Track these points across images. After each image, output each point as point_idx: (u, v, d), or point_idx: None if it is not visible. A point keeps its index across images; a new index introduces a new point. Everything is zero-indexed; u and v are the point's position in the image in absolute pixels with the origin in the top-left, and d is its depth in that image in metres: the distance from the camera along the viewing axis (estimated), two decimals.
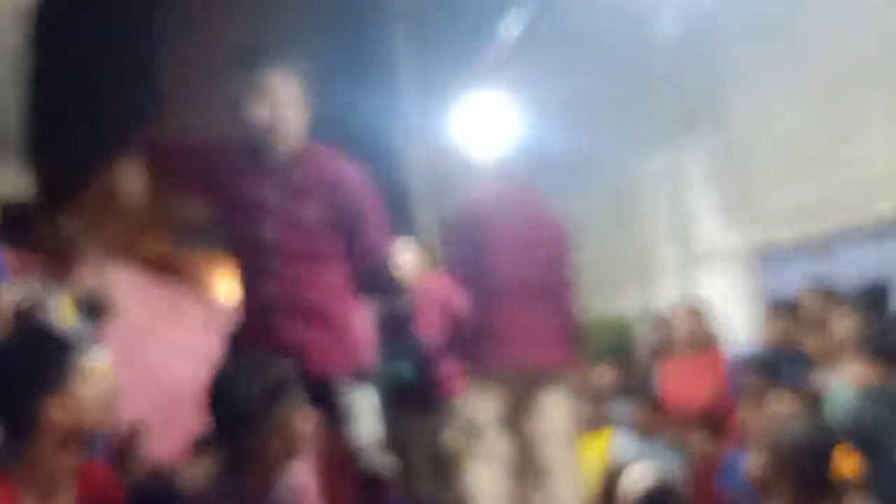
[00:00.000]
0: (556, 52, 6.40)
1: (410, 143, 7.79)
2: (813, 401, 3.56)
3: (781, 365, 3.92)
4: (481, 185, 3.66)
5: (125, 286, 4.54)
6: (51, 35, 5.57)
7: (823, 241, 4.97)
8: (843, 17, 4.71)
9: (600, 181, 6.82)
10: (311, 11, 7.50)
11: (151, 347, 5.32)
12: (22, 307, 3.04)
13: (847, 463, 2.28)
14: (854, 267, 4.59)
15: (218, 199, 2.62)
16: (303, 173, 2.56)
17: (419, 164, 7.76)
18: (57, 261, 3.43)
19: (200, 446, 3.92)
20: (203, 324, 5.30)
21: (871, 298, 4.02)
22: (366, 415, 2.50)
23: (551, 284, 3.32)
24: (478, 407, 3.21)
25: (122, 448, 4.32)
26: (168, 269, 6.97)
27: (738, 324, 5.30)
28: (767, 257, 5.50)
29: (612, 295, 6.33)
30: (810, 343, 4.09)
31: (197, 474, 3.63)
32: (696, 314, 4.85)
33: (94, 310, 3.50)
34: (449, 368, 4.28)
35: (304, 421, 2.08)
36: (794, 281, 4.79)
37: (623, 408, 4.58)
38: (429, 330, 4.41)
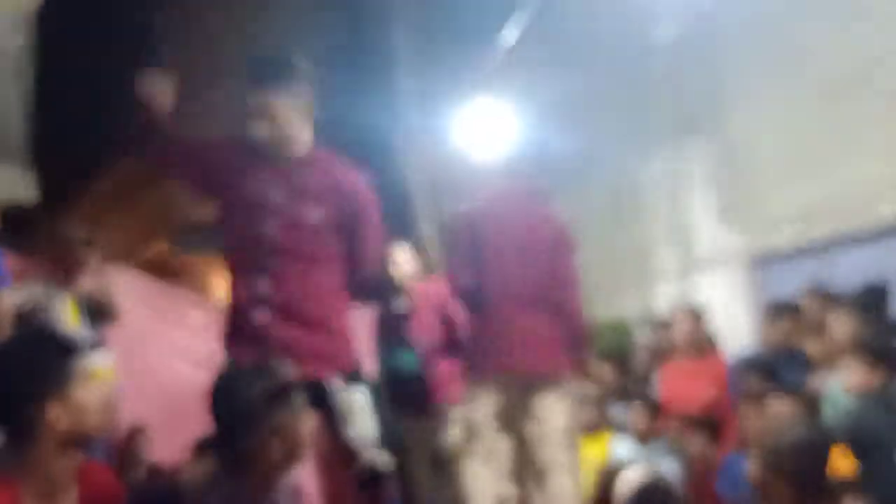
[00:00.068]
0: (556, 54, 6.41)
1: (411, 146, 7.80)
2: (812, 403, 3.57)
3: (780, 367, 3.93)
4: (481, 189, 3.66)
5: (126, 289, 4.55)
6: (52, 38, 5.59)
7: (823, 243, 4.96)
8: (843, 17, 4.70)
9: (600, 183, 6.81)
10: (311, 13, 7.52)
11: (152, 349, 5.33)
12: (24, 310, 3.04)
13: (845, 464, 2.29)
14: (854, 269, 4.58)
15: (220, 197, 2.62)
16: (307, 175, 2.58)
17: (419, 167, 7.76)
18: (59, 264, 3.43)
19: (201, 448, 3.93)
20: (203, 326, 5.31)
21: (870, 301, 4.02)
22: (362, 414, 2.51)
23: (551, 289, 3.29)
24: (476, 408, 3.22)
25: (123, 449, 4.34)
26: (168, 271, 6.99)
27: (738, 326, 5.30)
28: (767, 259, 5.49)
29: (611, 297, 6.32)
30: (809, 345, 4.10)
31: (197, 476, 3.64)
32: (696, 317, 4.85)
33: (97, 313, 3.50)
34: (445, 371, 4.29)
35: (305, 424, 2.09)
36: (793, 283, 4.78)
37: (622, 410, 4.59)
38: (424, 333, 4.43)
